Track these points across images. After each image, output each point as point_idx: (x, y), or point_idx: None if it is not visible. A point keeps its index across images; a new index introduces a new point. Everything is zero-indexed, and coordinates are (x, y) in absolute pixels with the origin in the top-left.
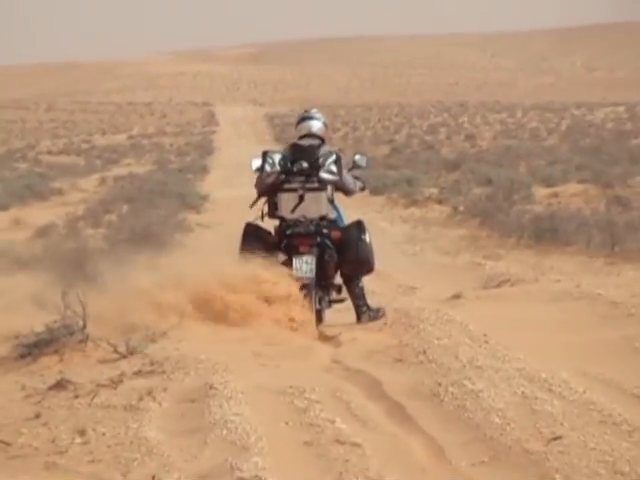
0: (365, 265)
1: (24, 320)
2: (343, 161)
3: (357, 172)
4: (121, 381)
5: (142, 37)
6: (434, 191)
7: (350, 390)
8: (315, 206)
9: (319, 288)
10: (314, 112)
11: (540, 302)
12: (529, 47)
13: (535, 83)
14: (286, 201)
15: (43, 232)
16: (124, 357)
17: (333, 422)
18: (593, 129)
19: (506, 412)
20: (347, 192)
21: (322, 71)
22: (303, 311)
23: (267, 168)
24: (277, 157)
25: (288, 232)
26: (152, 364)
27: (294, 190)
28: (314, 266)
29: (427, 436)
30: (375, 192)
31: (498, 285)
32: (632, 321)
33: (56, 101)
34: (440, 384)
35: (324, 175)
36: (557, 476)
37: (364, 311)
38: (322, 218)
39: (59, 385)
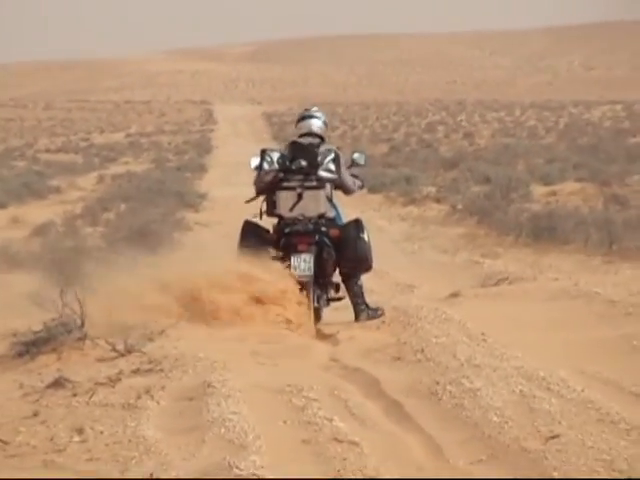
0: (363, 263)
1: (22, 318)
2: (342, 159)
3: (355, 170)
4: (119, 379)
5: (140, 35)
6: (432, 189)
7: (348, 388)
8: (314, 204)
9: (317, 286)
10: (314, 111)
11: (538, 300)
12: (527, 45)
13: (533, 81)
14: (285, 199)
15: (41, 230)
16: (122, 355)
17: (331, 420)
18: (591, 127)
19: (504, 410)
20: (346, 190)
21: (320, 69)
22: (299, 311)
23: (265, 166)
24: (275, 155)
25: (287, 230)
26: (150, 362)
27: (293, 188)
28: (312, 264)
29: (425, 434)
30: (373, 190)
31: (496, 283)
32: (630, 320)
33: (54, 99)
34: (438, 382)
35: (323, 173)
36: (555, 474)
37: (362, 309)
38: (320, 216)
39: (57, 383)
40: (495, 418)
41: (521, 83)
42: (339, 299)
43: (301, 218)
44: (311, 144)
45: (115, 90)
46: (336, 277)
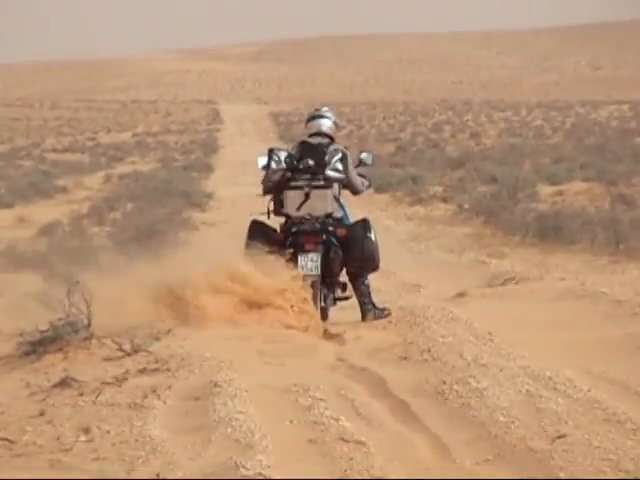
0: (370, 263)
1: (28, 318)
2: (349, 159)
3: (362, 170)
4: (125, 379)
5: (147, 35)
6: (439, 189)
7: (354, 388)
8: (321, 204)
9: (324, 286)
10: (325, 110)
11: (544, 300)
12: (534, 45)
13: (540, 81)
14: (292, 199)
15: (47, 230)
16: (129, 355)
17: (337, 420)
18: (598, 127)
19: (510, 410)
20: (354, 190)
21: (326, 69)
22: (301, 314)
23: (273, 165)
24: (283, 154)
25: (294, 230)
26: (157, 362)
27: (300, 188)
28: (319, 264)
29: (431, 434)
30: (380, 190)
31: (503, 283)
32: (636, 319)
33: (60, 99)
34: (445, 382)
35: (330, 173)
36: (561, 474)
37: (369, 309)
38: (328, 216)
39: (63, 383)
40: (502, 418)
41: (528, 83)
42: (346, 298)
43: (308, 217)
44: (320, 144)
45: (121, 90)
46: (343, 277)
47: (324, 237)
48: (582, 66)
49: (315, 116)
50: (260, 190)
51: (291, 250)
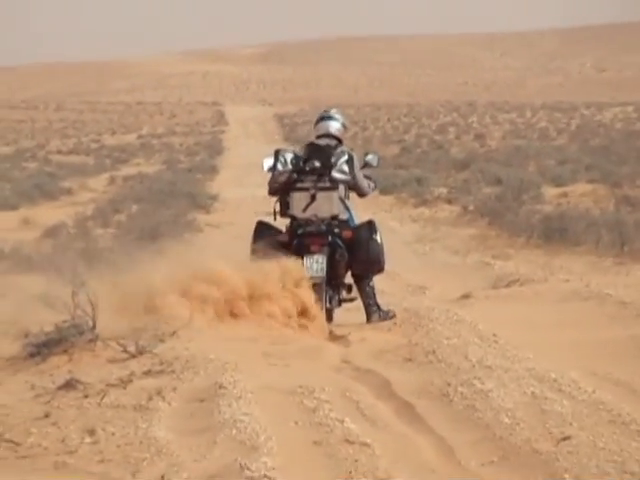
0: (376, 265)
1: (33, 320)
2: (356, 161)
3: (368, 171)
4: (130, 381)
5: (151, 37)
6: (443, 191)
7: (359, 390)
8: (327, 205)
9: (329, 287)
10: (334, 112)
11: (549, 302)
12: (538, 47)
13: (544, 83)
14: (298, 200)
15: (52, 232)
16: (133, 357)
17: (342, 422)
18: (602, 129)
19: (515, 412)
20: (360, 192)
21: (331, 71)
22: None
23: (279, 167)
24: (289, 156)
25: (299, 231)
26: (161, 364)
27: (306, 189)
28: (325, 265)
29: (436, 436)
30: (385, 192)
31: (507, 285)
32: None
33: (65, 101)
34: (449, 384)
35: (336, 175)
36: (566, 476)
37: (374, 311)
38: (333, 217)
39: (68, 385)
40: (506, 419)
41: (532, 84)
42: (351, 300)
43: (314, 219)
44: (328, 145)
45: (126, 91)
46: (348, 278)
47: (330, 239)
48: (587, 68)
49: (324, 117)
50: (266, 192)
51: (297, 251)
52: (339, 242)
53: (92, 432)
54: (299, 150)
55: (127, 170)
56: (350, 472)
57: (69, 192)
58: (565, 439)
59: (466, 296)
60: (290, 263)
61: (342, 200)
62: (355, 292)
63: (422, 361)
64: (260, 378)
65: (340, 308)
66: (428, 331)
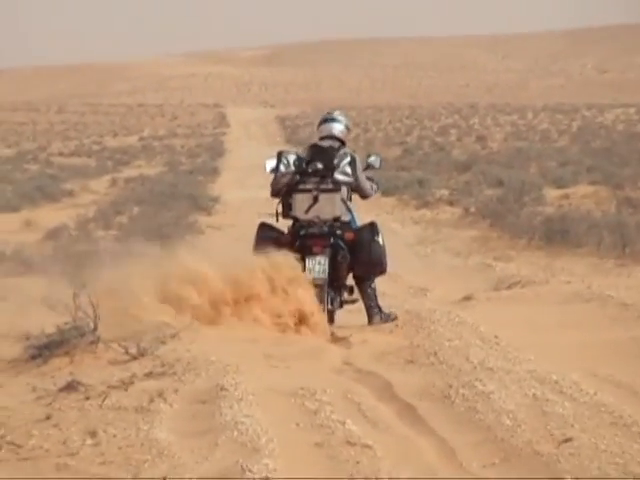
0: (377, 267)
1: (35, 322)
2: (358, 163)
3: (370, 173)
4: (132, 383)
5: (153, 38)
6: (445, 192)
7: (361, 391)
8: (329, 207)
9: (331, 289)
10: (337, 114)
11: (551, 304)
12: (540, 49)
13: (546, 85)
14: (300, 202)
15: (54, 234)
16: (135, 359)
17: (344, 424)
18: (604, 131)
19: (517, 414)
20: (363, 194)
21: (333, 73)
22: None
23: (282, 168)
24: (292, 157)
25: (302, 232)
26: (163, 365)
27: (308, 191)
28: (327, 267)
29: (438, 437)
30: (386, 193)
31: (509, 287)
32: None
33: (67, 103)
34: (451, 386)
35: (339, 176)
36: (568, 478)
37: (375, 312)
38: (336, 219)
39: (70, 387)
40: (508, 421)
41: (534, 86)
42: (353, 302)
43: (316, 221)
44: (331, 147)
45: (128, 93)
46: (350, 280)
47: (332, 240)
48: (588, 69)
49: (327, 119)
50: (268, 193)
51: (299, 253)
52: (341, 244)
53: (93, 434)
54: (302, 152)
55: (129, 172)
56: (352, 474)
57: (71, 194)
58: (566, 441)
59: (468, 298)
60: (280, 258)
61: (344, 202)
62: (357, 294)
63: (424, 363)
64: (261, 380)
65: (342, 310)
66: (430, 333)
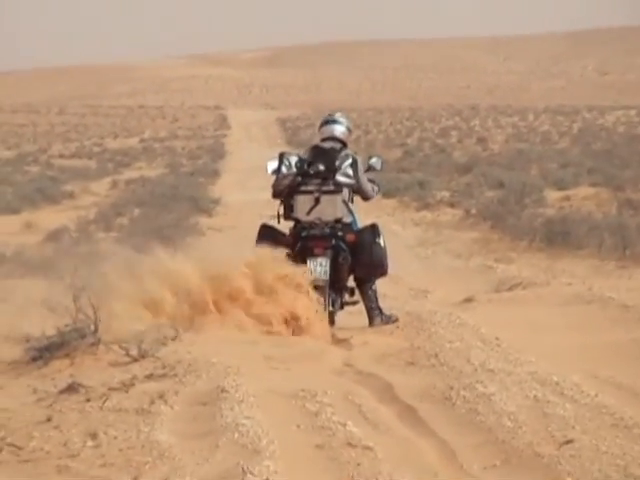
0: (379, 268)
1: (35, 324)
2: (360, 164)
3: (371, 175)
4: (133, 384)
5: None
6: (446, 194)
7: (362, 393)
8: (330, 209)
9: (332, 290)
10: (338, 116)
11: (552, 305)
12: (541, 50)
13: (547, 86)
14: (302, 203)
15: (54, 236)
16: (136, 360)
17: (345, 425)
18: (605, 132)
19: (518, 415)
20: (364, 196)
21: (334, 75)
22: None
23: (284, 170)
24: (294, 159)
25: (303, 234)
26: (164, 367)
27: (310, 192)
28: (328, 268)
29: (439, 439)
30: (387, 195)
31: (510, 288)
32: None
33: (67, 105)
34: (452, 387)
35: (340, 178)
36: (569, 479)
37: (376, 314)
38: (337, 221)
39: (70, 388)
40: (509, 423)
41: (535, 88)
42: (354, 303)
43: (318, 222)
44: (332, 148)
45: (128, 95)
46: (351, 281)
47: (333, 242)
48: (589, 71)
49: (328, 121)
50: (269, 195)
51: (300, 254)
52: (342, 245)
53: (94, 436)
54: (303, 153)
55: (129, 174)
56: (352, 476)
57: (71, 196)
58: (568, 443)
59: (468, 300)
60: (268, 254)
61: (346, 203)
62: (357, 295)
63: (424, 365)
64: (262, 382)
65: (342, 311)
66: (430, 335)
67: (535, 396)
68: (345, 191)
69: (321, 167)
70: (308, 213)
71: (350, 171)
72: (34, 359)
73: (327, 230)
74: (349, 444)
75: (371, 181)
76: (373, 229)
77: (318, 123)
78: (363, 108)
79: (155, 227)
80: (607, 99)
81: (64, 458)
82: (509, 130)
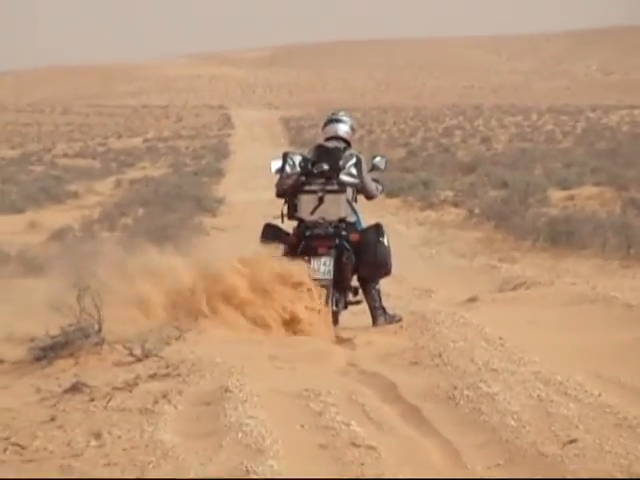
0: (382, 268)
1: (39, 323)
2: (364, 164)
3: (375, 174)
4: (136, 384)
5: (158, 40)
6: (450, 194)
7: (365, 393)
8: (334, 208)
9: (336, 290)
10: (342, 115)
11: (555, 305)
12: (544, 50)
13: (550, 86)
14: (306, 202)
15: (58, 235)
16: (139, 360)
17: (348, 425)
18: (608, 132)
19: (522, 415)
20: (368, 195)
21: (338, 74)
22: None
23: (287, 169)
24: (297, 158)
25: (307, 233)
26: (167, 367)
27: (314, 192)
28: (332, 268)
29: (443, 439)
30: (391, 195)
31: (514, 288)
32: None
33: (71, 104)
34: (456, 387)
35: (344, 177)
36: (572, 479)
37: (380, 314)
38: (341, 220)
39: (74, 388)
40: (512, 422)
41: (538, 88)
42: (357, 303)
43: (322, 222)
44: (336, 148)
45: (132, 95)
46: (355, 281)
47: (337, 241)
48: (593, 71)
49: (332, 120)
50: (272, 194)
51: (304, 254)
52: (346, 245)
53: (98, 435)
54: (307, 153)
55: (133, 173)
56: (356, 476)
57: (75, 195)
58: (571, 442)
59: (472, 299)
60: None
61: (350, 203)
62: (361, 295)
63: (428, 364)
64: (266, 381)
65: (346, 311)
66: (434, 334)
67: (539, 395)
68: (349, 190)
69: (325, 166)
70: (312, 212)
71: (354, 170)
72: (38, 359)
73: (331, 229)
74: (353, 444)
75: (375, 180)
76: (377, 229)
77: (322, 122)
78: (367, 107)
79: (159, 227)
80: (611, 99)
81: (68, 458)
82: (513, 130)
